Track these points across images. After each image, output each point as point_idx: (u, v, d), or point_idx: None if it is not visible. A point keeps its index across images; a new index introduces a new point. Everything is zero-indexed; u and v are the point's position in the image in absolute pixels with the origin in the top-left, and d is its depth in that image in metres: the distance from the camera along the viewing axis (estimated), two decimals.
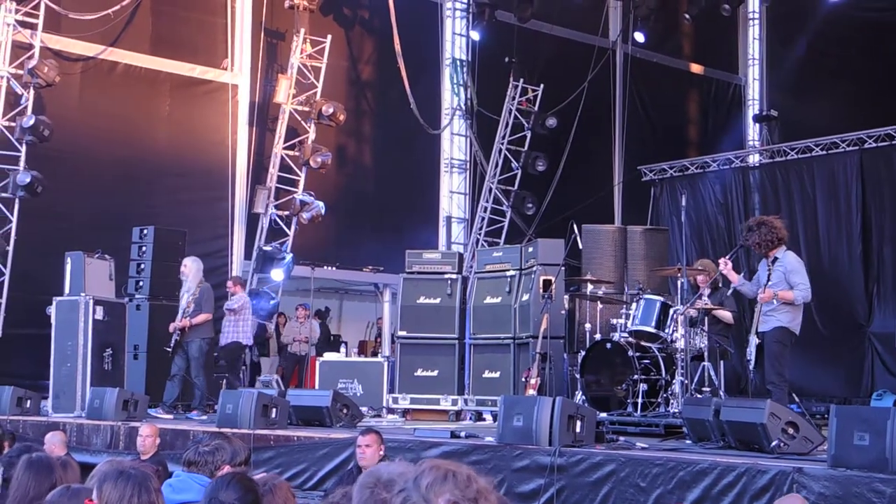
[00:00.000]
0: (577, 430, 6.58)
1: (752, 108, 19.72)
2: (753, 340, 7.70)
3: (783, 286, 7.82)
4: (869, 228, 14.73)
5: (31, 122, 12.38)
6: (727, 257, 8.36)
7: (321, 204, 14.78)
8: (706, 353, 8.40)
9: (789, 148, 16.03)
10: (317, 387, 11.16)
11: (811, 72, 17.97)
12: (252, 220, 14.83)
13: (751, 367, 7.71)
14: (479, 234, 16.49)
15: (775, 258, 7.88)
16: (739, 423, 6.32)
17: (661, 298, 8.91)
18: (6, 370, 11.99)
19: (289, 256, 14.57)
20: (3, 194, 12.54)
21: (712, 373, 8.33)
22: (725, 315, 8.99)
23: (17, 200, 12.51)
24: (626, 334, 8.90)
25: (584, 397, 8.73)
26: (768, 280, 7.84)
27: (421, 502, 1.97)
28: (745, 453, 6.12)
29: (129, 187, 13.70)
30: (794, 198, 15.51)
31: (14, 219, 12.57)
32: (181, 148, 14.30)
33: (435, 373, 10.69)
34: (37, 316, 11.64)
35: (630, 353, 8.61)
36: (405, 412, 10.69)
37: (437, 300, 10.87)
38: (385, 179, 16.20)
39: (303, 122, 14.98)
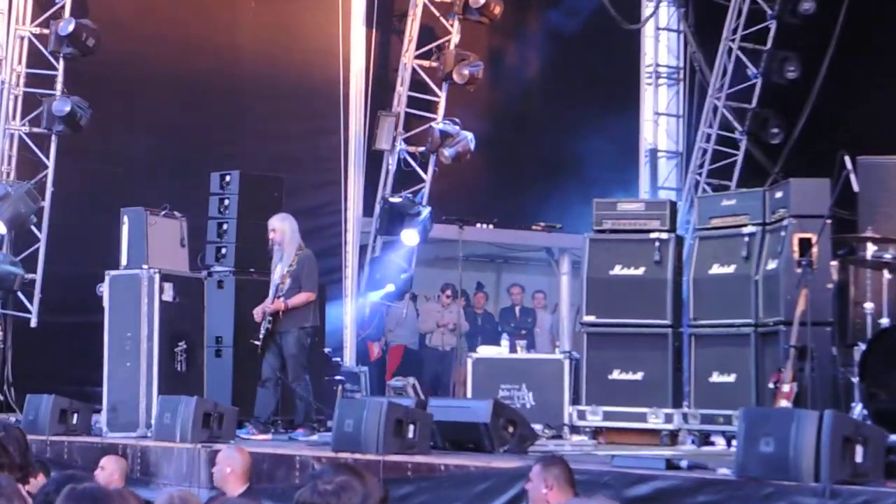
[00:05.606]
0: (857, 459, 6.51)
1: None
2: None
3: None
4: None
5: (70, 27, 12.72)
6: None
7: (470, 135, 14.85)
8: None
9: None
10: (469, 395, 11.24)
11: None
12: (373, 159, 15.04)
13: None
14: (700, 175, 16.38)
15: None
16: None
17: None
18: (44, 372, 12.55)
19: (425, 211, 14.72)
20: (35, 129, 12.93)
21: None
22: None
23: (53, 137, 12.90)
24: None
25: (865, 411, 8.54)
26: None
27: None
28: None
29: (203, 118, 14.09)
30: None
31: (50, 163, 12.99)
32: (273, 61, 14.61)
33: (639, 375, 10.71)
34: (84, 297, 12.04)
35: None
36: (597, 431, 10.74)
37: (641, 270, 10.87)
38: (559, 99, 16.15)
39: (442, 19, 15.04)
